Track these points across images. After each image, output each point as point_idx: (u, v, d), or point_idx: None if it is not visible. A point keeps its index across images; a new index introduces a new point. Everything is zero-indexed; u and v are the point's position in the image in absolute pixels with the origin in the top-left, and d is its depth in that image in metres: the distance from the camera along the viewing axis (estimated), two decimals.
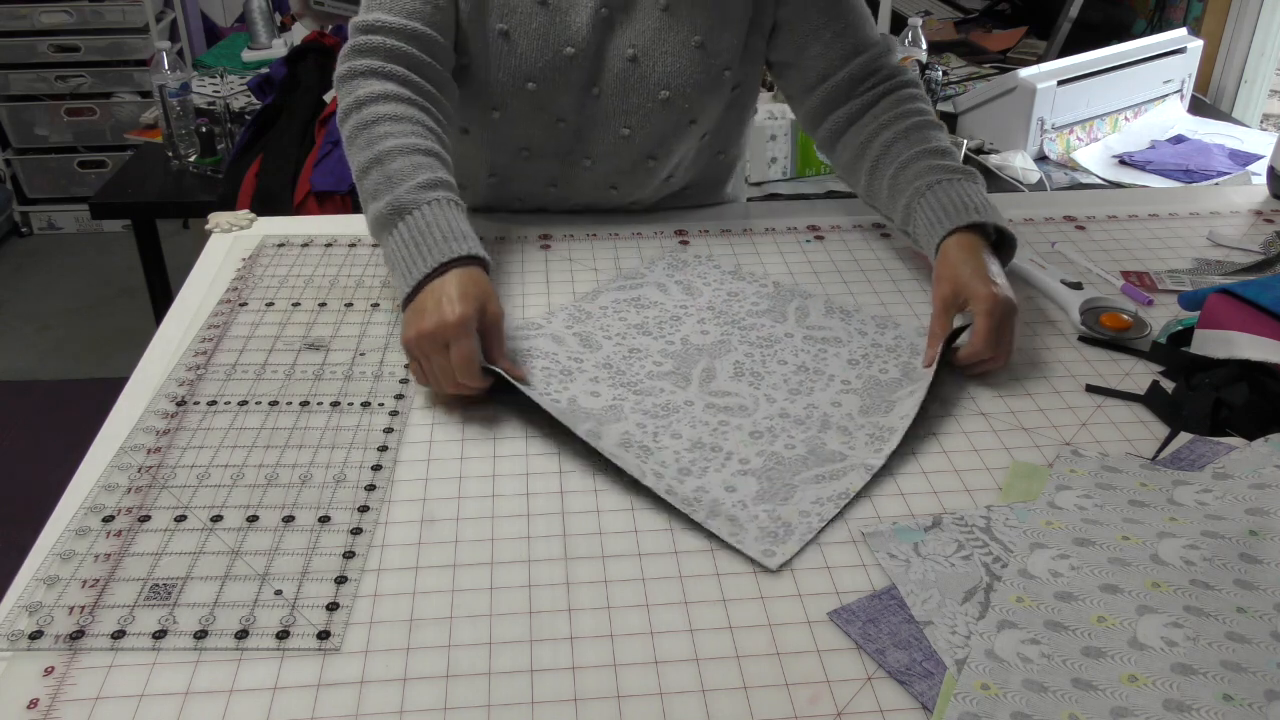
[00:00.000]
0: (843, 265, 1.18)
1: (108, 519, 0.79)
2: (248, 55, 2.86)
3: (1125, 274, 1.17)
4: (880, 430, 0.88)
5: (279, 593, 0.73)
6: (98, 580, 0.74)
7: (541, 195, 1.25)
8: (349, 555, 0.76)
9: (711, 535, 0.78)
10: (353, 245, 1.20)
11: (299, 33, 2.83)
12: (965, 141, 2.02)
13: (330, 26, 2.48)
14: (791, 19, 1.16)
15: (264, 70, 2.43)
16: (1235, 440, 0.88)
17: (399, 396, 0.94)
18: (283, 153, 2.10)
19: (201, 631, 0.70)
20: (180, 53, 3.50)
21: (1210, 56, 2.43)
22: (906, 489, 0.84)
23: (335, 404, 0.92)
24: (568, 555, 0.77)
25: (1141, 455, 0.88)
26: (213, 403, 0.92)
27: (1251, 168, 1.98)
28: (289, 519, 0.79)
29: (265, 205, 2.02)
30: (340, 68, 1.07)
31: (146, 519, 0.79)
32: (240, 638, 0.69)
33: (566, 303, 1.07)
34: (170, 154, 2.28)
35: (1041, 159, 2.07)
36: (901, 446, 0.88)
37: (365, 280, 1.13)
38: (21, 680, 0.66)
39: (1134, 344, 1.03)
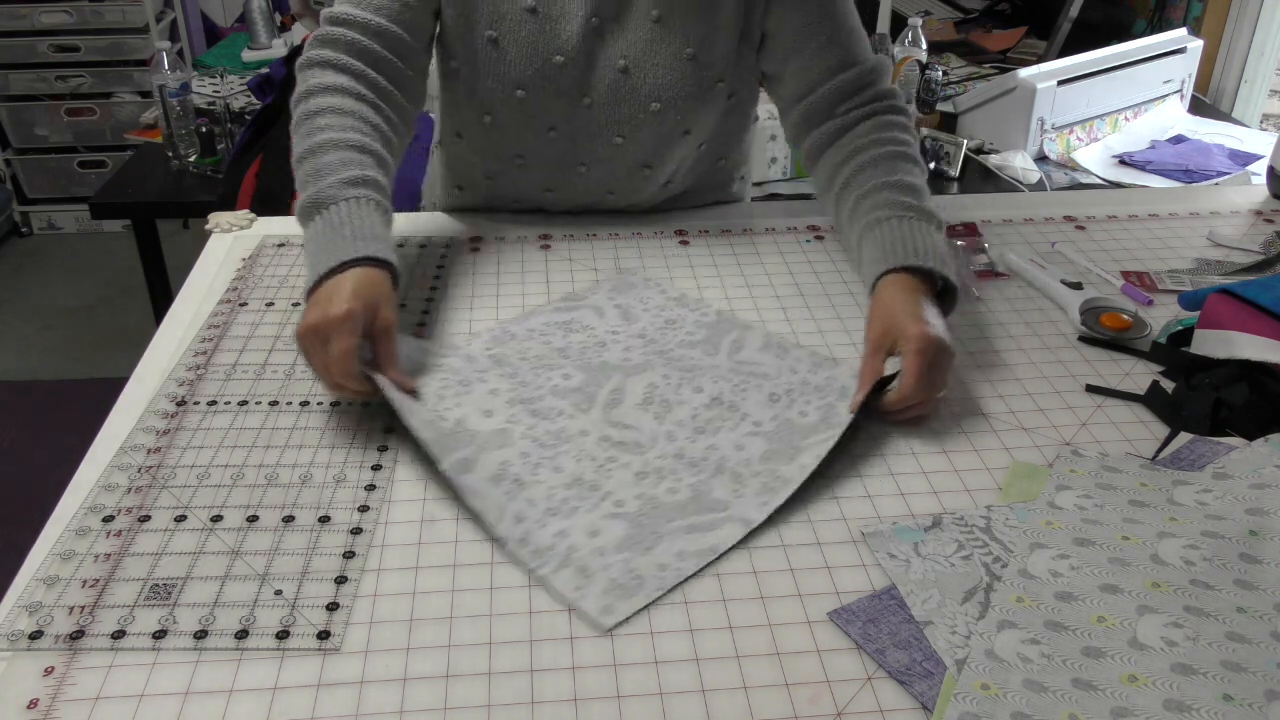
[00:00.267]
0: (843, 265, 1.18)
1: (108, 519, 0.79)
2: (248, 55, 2.86)
3: (1125, 274, 1.17)
4: (775, 480, 0.82)
5: (279, 593, 0.73)
6: (98, 580, 0.74)
7: (539, 198, 1.25)
8: (349, 555, 0.76)
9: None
10: None
11: (299, 33, 2.83)
12: (965, 141, 2.02)
13: None
14: (776, 30, 1.13)
15: (264, 70, 2.43)
16: (1235, 440, 0.88)
17: None
18: (283, 153, 2.09)
19: (201, 631, 0.70)
20: (180, 53, 3.50)
21: (1210, 56, 2.43)
22: (906, 489, 0.84)
23: (335, 404, 0.92)
24: None
25: (1141, 455, 0.88)
26: (213, 403, 0.92)
27: (1251, 168, 1.98)
28: (289, 519, 0.79)
29: (265, 205, 2.02)
30: (302, 56, 1.07)
31: (146, 519, 0.79)
32: (240, 638, 0.69)
33: (495, 324, 1.04)
34: (170, 154, 2.28)
35: (1041, 159, 2.07)
36: (901, 446, 0.88)
37: None
38: (21, 680, 0.66)
39: (1134, 344, 1.03)
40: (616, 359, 0.97)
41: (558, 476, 0.82)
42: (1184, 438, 0.89)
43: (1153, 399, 0.94)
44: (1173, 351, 1.00)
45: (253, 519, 0.79)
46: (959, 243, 1.23)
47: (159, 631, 0.70)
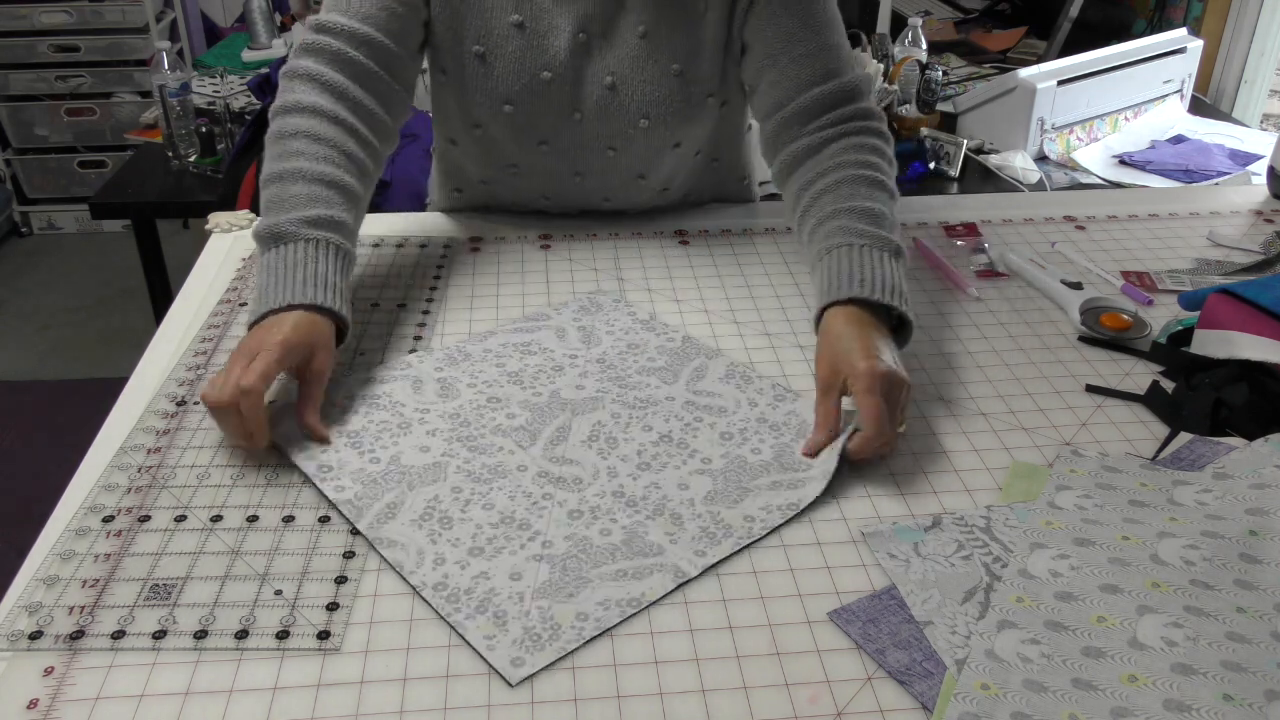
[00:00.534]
0: None
1: (108, 519, 0.79)
2: (248, 55, 2.86)
3: (1125, 274, 1.17)
4: (715, 526, 0.79)
5: (279, 593, 0.73)
6: (98, 580, 0.74)
7: (536, 203, 1.26)
8: (349, 555, 0.76)
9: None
10: None
11: (299, 33, 2.83)
12: (965, 142, 2.02)
13: None
14: (753, 41, 1.10)
15: (264, 70, 2.43)
16: (1235, 440, 0.88)
17: None
18: None
19: (201, 631, 0.70)
20: (180, 53, 3.50)
21: (1210, 56, 2.43)
22: (906, 489, 0.84)
23: (331, 406, 0.92)
24: None
25: (1141, 455, 0.88)
26: None
27: (1251, 168, 1.98)
28: (289, 519, 0.79)
29: None
30: (287, 64, 1.05)
31: (146, 519, 0.79)
32: (240, 638, 0.69)
33: (454, 340, 1.02)
34: (170, 154, 2.28)
35: (1041, 159, 2.07)
36: (901, 446, 0.88)
37: (364, 280, 1.13)
38: (21, 680, 0.66)
39: (1134, 344, 1.03)
40: (570, 387, 0.94)
41: (486, 514, 0.79)
42: (1184, 438, 0.89)
43: (1153, 399, 0.94)
44: (1173, 351, 1.00)
45: (253, 519, 0.79)
46: (958, 242, 1.24)
47: (159, 632, 0.70)
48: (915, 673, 0.67)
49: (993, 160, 2.05)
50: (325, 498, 0.81)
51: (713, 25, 1.10)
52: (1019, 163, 2.00)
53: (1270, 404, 0.90)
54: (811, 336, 1.04)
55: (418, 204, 2.32)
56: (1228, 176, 1.96)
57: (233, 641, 0.69)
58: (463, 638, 0.69)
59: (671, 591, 0.73)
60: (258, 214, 1.25)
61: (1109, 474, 0.84)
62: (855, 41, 2.30)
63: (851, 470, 0.85)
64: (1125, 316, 1.06)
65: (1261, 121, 2.45)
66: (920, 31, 2.26)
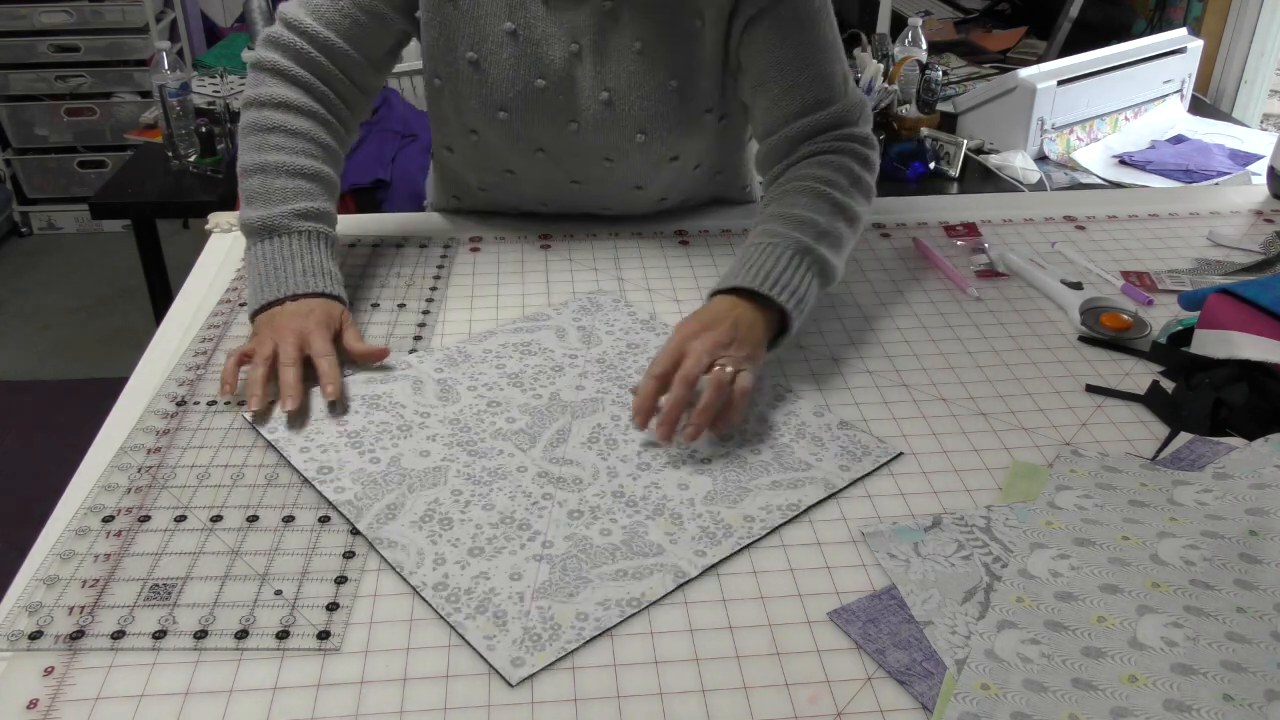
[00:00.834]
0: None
1: (108, 519, 0.79)
2: (247, 55, 2.85)
3: (1125, 274, 1.17)
4: (715, 525, 0.79)
5: (279, 593, 0.73)
6: (98, 580, 0.74)
7: (535, 208, 1.26)
8: (349, 555, 0.76)
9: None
10: (352, 245, 1.20)
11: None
12: (965, 142, 2.02)
13: None
14: (749, 64, 1.09)
15: None
16: (1235, 440, 0.88)
17: None
18: None
19: (201, 631, 0.70)
20: (180, 53, 3.50)
21: (1210, 56, 2.43)
22: (906, 489, 0.84)
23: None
24: None
25: (1141, 455, 0.88)
26: (213, 403, 0.92)
27: (1251, 168, 1.98)
28: (289, 519, 0.79)
29: None
30: (254, 52, 1.09)
31: (146, 519, 0.79)
32: (240, 638, 0.69)
33: (454, 341, 1.02)
34: (170, 154, 2.28)
35: (1041, 159, 2.07)
36: (901, 446, 0.88)
37: (364, 280, 1.13)
38: (21, 680, 0.66)
39: (1134, 344, 1.03)
40: (570, 388, 0.95)
41: (487, 515, 0.80)
42: (1184, 438, 0.89)
43: (1153, 399, 0.94)
44: (1173, 351, 1.00)
45: (253, 519, 0.79)
46: (958, 242, 1.24)
47: (159, 632, 0.70)
48: (915, 673, 0.67)
49: (993, 160, 2.05)
50: (325, 498, 0.81)
51: (710, 43, 1.09)
52: (1019, 163, 2.00)
53: (1270, 404, 0.90)
54: (811, 336, 1.04)
55: (418, 204, 2.32)
56: (1228, 176, 1.96)
57: (233, 641, 0.69)
58: (463, 638, 0.69)
59: (671, 591, 0.73)
60: None
61: (1109, 474, 0.84)
62: (855, 41, 2.31)
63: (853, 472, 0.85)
64: (1125, 316, 1.06)
65: (1261, 121, 2.45)
66: (920, 31, 2.26)
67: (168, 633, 0.70)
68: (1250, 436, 0.88)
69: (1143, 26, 2.61)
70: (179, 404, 0.92)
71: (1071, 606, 0.71)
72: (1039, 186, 1.96)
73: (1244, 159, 2.02)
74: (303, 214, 1.02)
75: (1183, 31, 2.24)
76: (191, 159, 2.26)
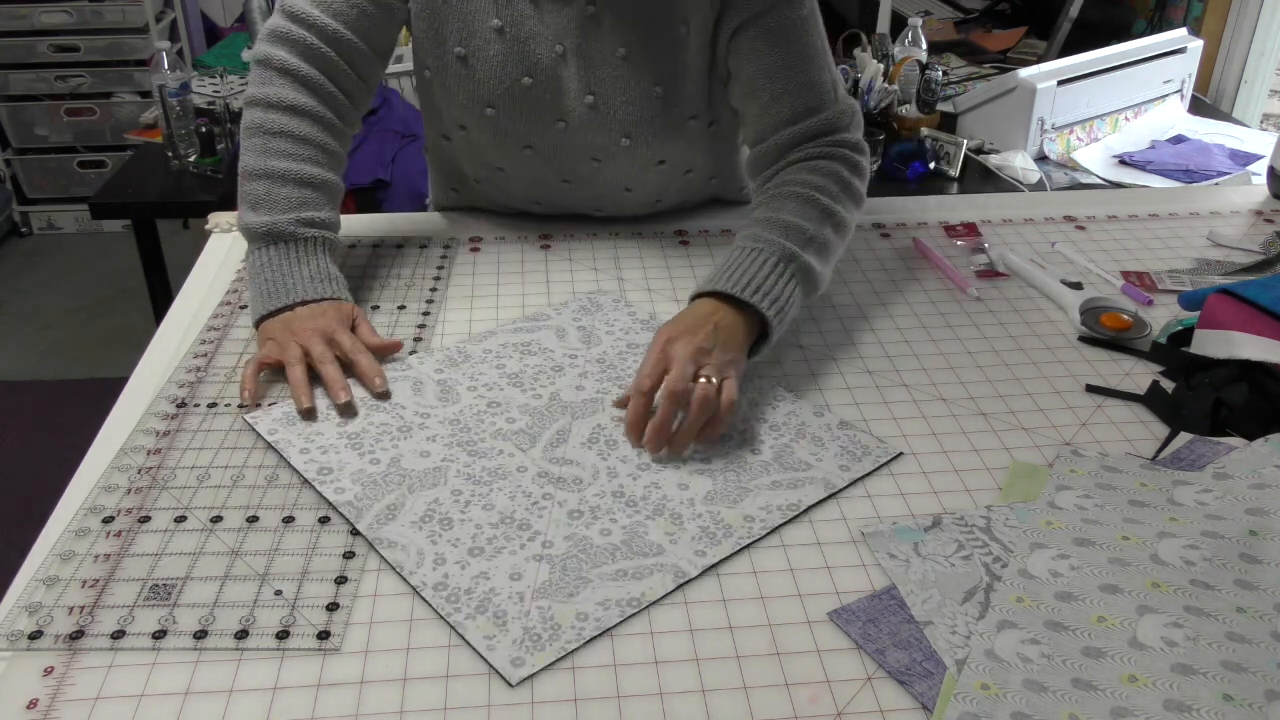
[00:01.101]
0: (843, 265, 1.18)
1: (108, 519, 0.79)
2: (247, 55, 2.85)
3: (1125, 274, 1.17)
4: (715, 525, 0.79)
5: (279, 593, 0.73)
6: (98, 580, 0.74)
7: (528, 207, 1.26)
8: (349, 555, 0.76)
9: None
10: (352, 246, 1.20)
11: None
12: (965, 142, 2.02)
13: None
14: (737, 72, 1.09)
15: None
16: (1235, 440, 0.88)
17: None
18: None
19: (201, 631, 0.70)
20: (180, 53, 3.50)
21: (1210, 56, 2.43)
22: (906, 489, 0.84)
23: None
24: None
25: (1141, 455, 0.88)
26: (213, 405, 0.92)
27: (1251, 168, 1.98)
28: (289, 519, 0.79)
29: None
30: (258, 48, 1.07)
31: (146, 519, 0.79)
32: (240, 638, 0.69)
33: (454, 341, 1.02)
34: (170, 154, 2.28)
35: (1041, 159, 2.07)
36: (901, 446, 0.88)
37: (364, 280, 1.13)
38: (21, 680, 0.66)
39: (1134, 344, 1.03)
40: (569, 388, 0.95)
41: (487, 515, 0.80)
42: (1184, 438, 0.89)
43: (1153, 399, 0.94)
44: (1173, 351, 1.00)
45: (253, 519, 0.79)
46: (958, 242, 1.24)
47: (159, 632, 0.70)
48: (915, 673, 0.67)
49: (993, 160, 2.05)
50: (325, 499, 0.81)
51: (695, 50, 1.09)
52: (1019, 163, 2.00)
53: (1270, 404, 0.90)
54: (811, 336, 1.04)
55: (418, 204, 2.32)
56: (1228, 176, 1.96)
57: (233, 641, 0.69)
58: (463, 638, 0.69)
59: (671, 591, 0.73)
60: None
61: (1109, 474, 0.84)
62: (855, 41, 2.31)
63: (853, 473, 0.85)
64: (1125, 316, 1.06)
65: (1261, 121, 2.45)
66: (920, 31, 2.26)
67: (168, 633, 0.70)
68: (1250, 436, 0.88)
69: (1143, 26, 2.61)
70: (179, 405, 0.92)
71: (1071, 606, 0.71)
72: (1039, 186, 1.96)
73: (1244, 159, 2.02)
74: (307, 222, 1.02)
75: (1183, 31, 2.24)
76: (191, 159, 2.26)
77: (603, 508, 0.81)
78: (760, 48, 1.06)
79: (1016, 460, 0.87)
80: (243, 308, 1.07)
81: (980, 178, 2.03)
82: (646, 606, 0.72)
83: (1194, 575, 0.73)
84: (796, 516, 0.80)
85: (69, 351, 2.98)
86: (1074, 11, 2.51)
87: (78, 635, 0.69)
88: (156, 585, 0.73)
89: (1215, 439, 0.88)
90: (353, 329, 0.98)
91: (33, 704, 0.65)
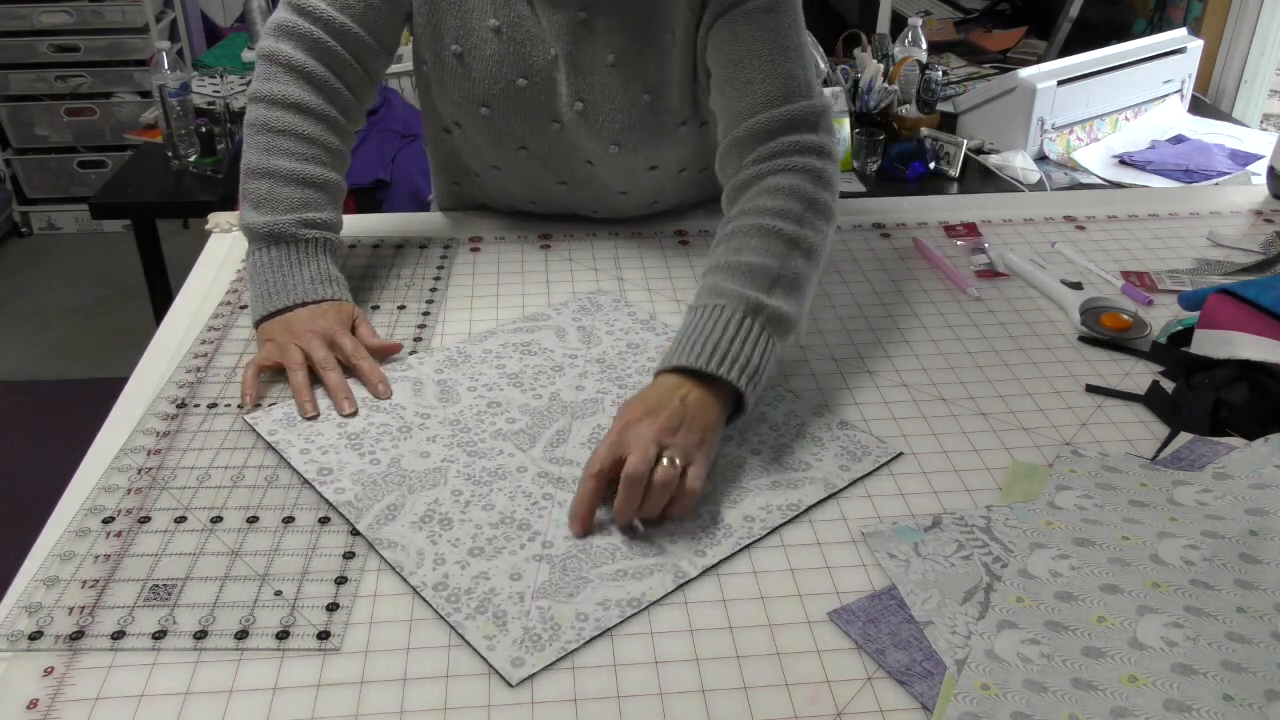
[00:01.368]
0: (843, 265, 1.18)
1: (108, 520, 0.79)
2: (248, 55, 2.86)
3: (1125, 274, 1.17)
4: (714, 525, 0.79)
5: (279, 593, 0.73)
6: (98, 581, 0.74)
7: (526, 207, 1.26)
8: (349, 556, 0.76)
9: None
10: (352, 246, 1.20)
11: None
12: (965, 142, 2.02)
13: None
14: (711, 66, 1.06)
15: None
16: (1235, 440, 0.88)
17: None
18: None
19: (201, 632, 0.70)
20: (180, 53, 3.50)
21: (1210, 56, 2.43)
22: (906, 489, 0.84)
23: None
24: None
25: (1141, 455, 0.88)
26: (213, 405, 0.92)
27: (1251, 168, 1.98)
28: (289, 520, 0.79)
29: None
30: (263, 42, 1.06)
31: (146, 520, 0.79)
32: (240, 638, 0.69)
33: (454, 341, 1.02)
34: (170, 154, 2.28)
35: (1041, 159, 2.07)
36: (901, 446, 0.88)
37: (364, 280, 1.13)
38: (21, 680, 0.66)
39: (1134, 344, 1.03)
40: (570, 388, 0.95)
41: (486, 515, 0.79)
42: (1184, 438, 0.89)
43: (1153, 399, 0.94)
44: (1173, 351, 1.00)
45: (253, 520, 0.79)
46: (958, 242, 1.24)
47: (159, 632, 0.70)
48: (915, 673, 0.67)
49: (993, 160, 2.05)
50: (325, 499, 0.81)
51: (681, 57, 1.09)
52: (1019, 163, 2.00)
53: (1270, 404, 0.90)
54: (810, 336, 1.04)
55: (418, 204, 2.32)
56: (1228, 176, 1.96)
57: (233, 642, 0.69)
58: (463, 638, 0.69)
59: (671, 591, 0.73)
60: None
61: (1109, 474, 0.84)
62: (855, 41, 2.31)
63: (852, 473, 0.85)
64: (1125, 316, 1.06)
65: (1261, 121, 2.45)
66: (920, 31, 2.26)
67: (168, 633, 0.70)
68: (1250, 436, 0.88)
69: (1143, 26, 2.61)
70: (179, 406, 0.92)
71: (1071, 606, 0.71)
72: (1039, 186, 1.96)
73: (1244, 159, 2.02)
74: (309, 223, 1.02)
75: (1183, 31, 2.24)
76: (191, 159, 2.26)
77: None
78: (726, 39, 1.04)
79: (1016, 460, 0.87)
80: (243, 308, 1.07)
81: (980, 178, 2.03)
82: (646, 606, 0.72)
83: (1194, 575, 0.73)
84: (796, 516, 0.80)
85: (69, 351, 2.98)
86: (1074, 11, 2.51)
87: (78, 635, 0.69)
88: (156, 585, 0.73)
89: (1215, 439, 0.88)
90: (353, 330, 0.98)
91: (33, 704, 0.65)
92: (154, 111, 2.51)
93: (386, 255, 1.19)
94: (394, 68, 2.56)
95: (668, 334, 1.03)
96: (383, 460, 0.85)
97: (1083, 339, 1.05)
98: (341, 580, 0.74)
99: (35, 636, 0.69)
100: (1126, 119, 2.20)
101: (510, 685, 0.66)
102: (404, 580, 0.74)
